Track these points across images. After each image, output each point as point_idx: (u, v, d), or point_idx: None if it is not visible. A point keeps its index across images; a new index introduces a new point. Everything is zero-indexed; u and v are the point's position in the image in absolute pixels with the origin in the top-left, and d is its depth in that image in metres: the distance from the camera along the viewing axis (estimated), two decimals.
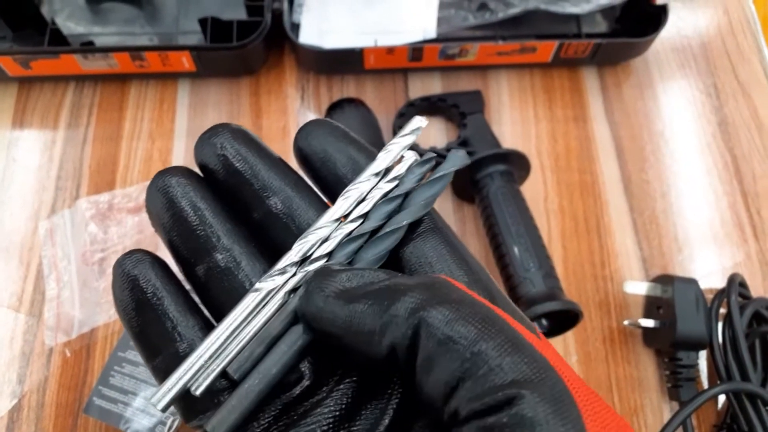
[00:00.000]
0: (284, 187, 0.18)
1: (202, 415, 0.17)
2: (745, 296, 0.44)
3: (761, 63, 0.55)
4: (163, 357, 0.17)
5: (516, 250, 0.41)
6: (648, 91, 0.54)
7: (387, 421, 0.16)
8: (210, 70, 0.51)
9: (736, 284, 0.43)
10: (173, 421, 0.39)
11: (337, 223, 0.18)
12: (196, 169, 0.20)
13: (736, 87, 0.54)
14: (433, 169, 0.19)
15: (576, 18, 0.54)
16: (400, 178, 0.19)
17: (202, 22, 0.49)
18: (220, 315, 0.18)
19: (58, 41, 0.50)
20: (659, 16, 0.51)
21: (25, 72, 0.50)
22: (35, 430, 0.43)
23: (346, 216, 0.18)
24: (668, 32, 0.56)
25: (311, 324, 0.16)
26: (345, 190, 0.18)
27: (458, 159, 0.19)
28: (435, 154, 0.19)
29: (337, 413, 0.16)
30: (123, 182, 0.50)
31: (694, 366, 0.42)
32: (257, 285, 0.17)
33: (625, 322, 0.45)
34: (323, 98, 0.53)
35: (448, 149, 0.47)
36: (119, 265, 0.18)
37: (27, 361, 0.44)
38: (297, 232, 0.18)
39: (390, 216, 0.18)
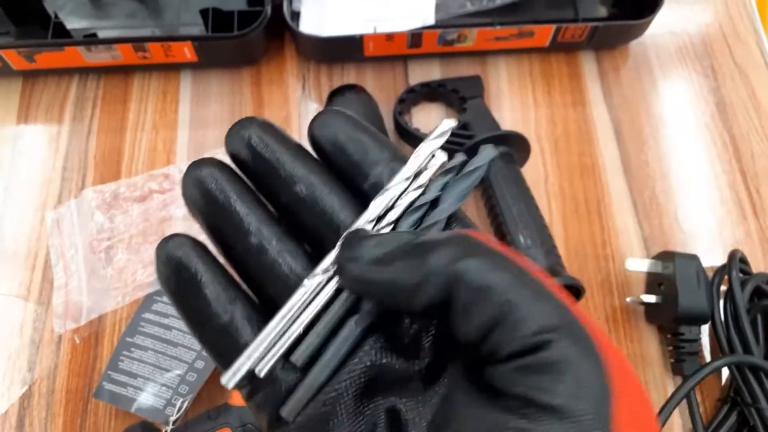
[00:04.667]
0: (308, 175, 0.20)
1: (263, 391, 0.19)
2: (746, 272, 0.45)
3: (758, 44, 0.56)
4: (210, 329, 0.19)
5: (517, 229, 0.41)
6: (646, 73, 0.54)
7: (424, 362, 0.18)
8: (212, 61, 0.52)
9: (736, 260, 0.43)
10: (182, 402, 0.40)
11: (372, 224, 0.19)
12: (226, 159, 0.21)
13: (733, 68, 0.55)
14: (459, 171, 0.20)
15: (573, 3, 0.55)
16: (425, 187, 0.20)
17: (203, 12, 0.50)
18: (259, 290, 0.19)
19: (62, 35, 0.51)
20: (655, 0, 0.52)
21: (29, 65, 0.50)
22: (46, 415, 0.43)
23: (379, 219, 0.20)
24: (665, 15, 0.56)
25: (351, 289, 0.18)
26: (377, 195, 0.19)
27: (489, 152, 0.20)
28: (457, 164, 0.20)
29: (370, 362, 0.18)
30: (128, 172, 0.50)
31: (697, 340, 0.43)
32: (305, 282, 0.19)
33: (628, 299, 0.45)
34: (324, 87, 0.53)
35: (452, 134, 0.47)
36: (163, 248, 0.19)
37: (36, 349, 0.45)
38: (320, 215, 0.20)
39: (417, 224, 0.19)
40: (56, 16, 0.51)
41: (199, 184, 0.19)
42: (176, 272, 0.19)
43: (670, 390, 0.44)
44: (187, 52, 0.49)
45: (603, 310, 0.46)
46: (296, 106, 0.53)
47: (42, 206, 0.49)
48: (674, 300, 0.42)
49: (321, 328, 0.18)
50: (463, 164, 0.20)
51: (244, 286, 0.20)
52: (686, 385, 0.40)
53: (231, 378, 0.18)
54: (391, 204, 0.19)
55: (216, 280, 0.19)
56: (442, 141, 0.20)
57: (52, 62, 0.50)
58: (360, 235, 0.18)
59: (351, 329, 0.18)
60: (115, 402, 0.41)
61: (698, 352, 0.43)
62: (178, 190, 0.49)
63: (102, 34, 0.53)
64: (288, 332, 0.18)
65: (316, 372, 0.18)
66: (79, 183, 0.50)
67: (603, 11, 0.55)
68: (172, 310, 0.44)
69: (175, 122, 0.52)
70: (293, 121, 0.52)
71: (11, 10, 0.52)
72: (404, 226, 0.19)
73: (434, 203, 0.20)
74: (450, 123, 0.20)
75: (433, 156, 0.20)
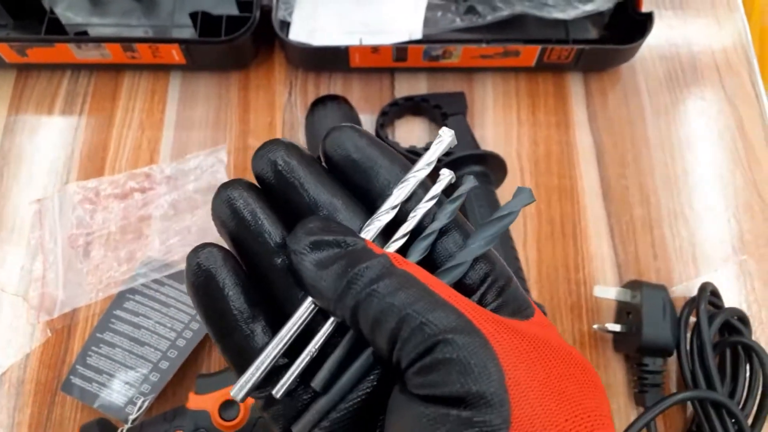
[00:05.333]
0: (331, 199, 0.21)
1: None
2: (717, 305, 0.44)
3: (750, 75, 0.55)
4: (231, 340, 0.20)
5: None
6: (633, 98, 0.54)
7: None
8: (200, 64, 0.52)
9: (706, 293, 0.43)
10: (143, 401, 0.40)
11: (395, 210, 0.20)
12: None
13: (722, 98, 0.54)
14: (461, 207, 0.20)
15: (564, 24, 0.55)
16: (433, 215, 0.20)
17: (193, 16, 0.50)
18: (281, 307, 0.20)
19: (56, 30, 0.52)
20: (646, 24, 0.51)
21: (21, 59, 0.51)
22: (15, 405, 0.44)
23: (394, 221, 0.20)
24: (657, 40, 0.56)
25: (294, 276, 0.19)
26: (399, 182, 0.20)
27: (526, 197, 0.20)
28: (465, 191, 0.20)
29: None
30: (112, 169, 0.51)
31: (660, 372, 0.43)
32: (306, 301, 0.19)
33: (595, 326, 0.45)
34: (310, 95, 0.54)
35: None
36: (194, 257, 0.20)
37: (10, 339, 0.46)
38: None
39: (426, 250, 0.20)
40: (52, 11, 0.52)
41: (229, 204, 0.20)
42: (205, 283, 0.20)
43: None
44: (174, 54, 0.50)
45: (571, 334, 0.46)
46: (281, 113, 0.53)
47: (27, 198, 0.50)
48: (639, 330, 0.42)
49: (338, 355, 0.19)
50: (472, 189, 0.21)
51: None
52: (646, 416, 0.40)
53: (239, 391, 0.19)
54: (413, 190, 0.20)
55: (242, 296, 0.20)
56: (452, 132, 0.21)
57: (44, 57, 0.51)
58: (309, 228, 0.19)
59: (368, 358, 0.19)
60: (80, 397, 0.42)
61: (662, 384, 0.43)
62: (158, 190, 0.49)
63: (97, 31, 0.54)
64: (302, 354, 0.19)
65: (330, 396, 0.19)
66: (64, 177, 0.51)
67: (594, 33, 0.55)
68: (143, 309, 0.44)
69: (161, 122, 0.53)
70: (277, 127, 0.53)
71: (8, 3, 0.53)
72: (414, 254, 0.20)
73: (443, 231, 0.20)
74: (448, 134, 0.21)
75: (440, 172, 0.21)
